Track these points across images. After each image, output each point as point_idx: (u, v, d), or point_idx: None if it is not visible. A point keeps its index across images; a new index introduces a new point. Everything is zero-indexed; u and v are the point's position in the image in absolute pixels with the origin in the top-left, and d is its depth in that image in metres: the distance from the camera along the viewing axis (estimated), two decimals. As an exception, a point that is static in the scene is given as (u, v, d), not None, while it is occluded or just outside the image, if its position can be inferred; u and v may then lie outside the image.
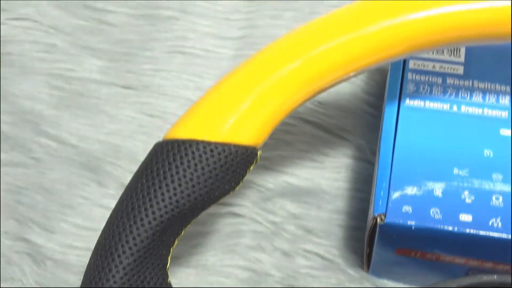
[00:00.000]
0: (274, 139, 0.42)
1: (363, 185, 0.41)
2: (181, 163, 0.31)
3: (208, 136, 0.32)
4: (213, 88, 0.33)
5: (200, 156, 0.31)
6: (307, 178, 0.42)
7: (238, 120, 0.32)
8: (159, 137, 0.41)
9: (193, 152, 0.31)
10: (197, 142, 0.32)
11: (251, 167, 0.33)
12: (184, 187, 0.31)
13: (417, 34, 0.33)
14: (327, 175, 0.42)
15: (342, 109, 0.43)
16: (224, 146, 0.32)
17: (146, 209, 0.31)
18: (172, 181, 0.31)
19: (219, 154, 0.32)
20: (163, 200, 0.31)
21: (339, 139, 0.42)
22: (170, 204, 0.31)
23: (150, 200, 0.31)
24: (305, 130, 0.42)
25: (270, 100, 0.32)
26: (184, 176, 0.31)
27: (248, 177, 0.39)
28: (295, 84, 0.32)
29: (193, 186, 0.31)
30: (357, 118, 0.42)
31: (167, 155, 0.32)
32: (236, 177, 0.32)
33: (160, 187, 0.31)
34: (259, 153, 0.33)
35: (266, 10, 0.44)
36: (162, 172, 0.31)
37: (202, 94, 0.38)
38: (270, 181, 0.41)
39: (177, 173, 0.31)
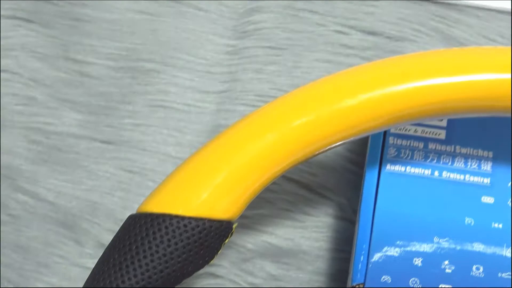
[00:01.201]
0: (256, 197, 0.41)
1: (344, 246, 0.41)
2: (154, 238, 0.31)
3: (182, 210, 0.31)
4: (188, 160, 0.32)
5: (174, 231, 0.31)
6: (287, 238, 0.41)
7: (212, 194, 0.31)
8: (138, 194, 0.41)
9: (166, 227, 0.31)
10: (171, 217, 0.31)
11: (226, 241, 0.32)
12: (156, 262, 0.31)
13: (400, 107, 0.32)
14: (308, 234, 0.41)
15: (324, 166, 0.42)
16: (198, 221, 0.31)
17: (117, 285, 0.31)
18: (145, 257, 0.31)
19: (193, 229, 0.31)
20: (135, 276, 0.31)
21: (321, 197, 0.42)
22: (142, 280, 0.31)
23: (122, 276, 0.31)
24: (287, 189, 0.42)
25: (246, 174, 0.32)
26: (157, 252, 0.31)
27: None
28: (272, 158, 0.32)
29: (166, 261, 0.31)
30: (339, 176, 0.42)
31: (140, 229, 0.31)
32: (210, 251, 0.32)
33: (132, 263, 0.31)
34: (234, 226, 0.32)
35: (248, 63, 0.43)
36: (134, 247, 0.31)
37: (182, 155, 0.38)
38: (250, 241, 0.41)
39: (150, 248, 0.31)
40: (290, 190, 0.41)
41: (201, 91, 0.43)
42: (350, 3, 0.45)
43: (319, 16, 0.45)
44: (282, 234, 0.41)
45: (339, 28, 0.45)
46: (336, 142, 0.33)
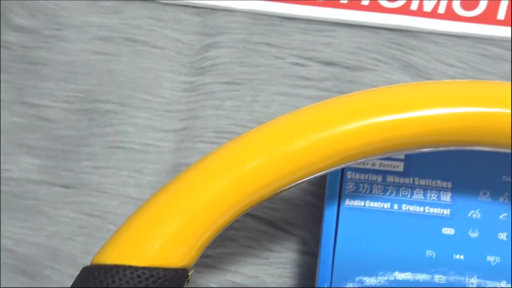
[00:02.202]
0: (218, 235, 0.41)
1: (308, 280, 0.40)
2: (108, 291, 0.30)
3: (136, 261, 0.31)
4: (140, 209, 0.32)
5: (128, 282, 0.30)
6: (251, 275, 0.41)
7: (166, 243, 0.31)
8: (99, 237, 0.40)
9: (120, 279, 0.30)
10: (124, 268, 0.31)
11: (183, 288, 0.32)
12: (112, 315, 0.30)
13: (352, 146, 0.32)
14: (272, 271, 0.41)
15: (287, 201, 0.42)
16: (153, 271, 0.31)
17: None
18: (99, 310, 0.30)
19: (147, 279, 0.31)
20: (90, 330, 0.30)
21: (284, 233, 0.41)
22: (97, 334, 0.30)
23: (76, 330, 0.30)
24: (250, 225, 0.41)
25: (199, 221, 0.31)
26: (112, 304, 0.30)
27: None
28: (225, 203, 0.31)
29: (122, 314, 0.30)
30: (302, 211, 0.41)
31: (93, 282, 0.31)
32: (166, 300, 0.31)
33: (87, 316, 0.30)
34: (190, 273, 0.32)
35: (206, 100, 0.43)
36: (88, 300, 0.30)
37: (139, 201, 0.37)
38: (213, 280, 0.40)
39: (104, 301, 0.30)
40: (252, 227, 0.41)
41: (159, 130, 0.43)
42: (307, 34, 0.45)
43: (276, 49, 0.45)
44: (246, 272, 0.40)
45: (297, 60, 0.44)
46: (290, 184, 0.32)
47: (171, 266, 0.31)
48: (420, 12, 0.45)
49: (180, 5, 0.46)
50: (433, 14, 0.45)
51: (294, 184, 0.32)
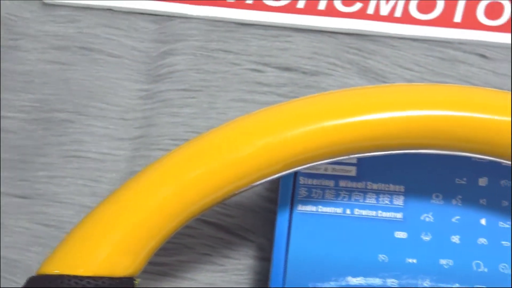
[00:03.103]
0: (173, 243, 0.41)
1: (265, 287, 0.40)
2: (53, 301, 0.30)
3: (81, 270, 0.31)
4: (85, 219, 0.32)
5: (72, 292, 0.30)
6: (208, 283, 0.40)
7: (111, 252, 0.31)
8: (54, 248, 0.40)
9: (64, 289, 0.30)
10: (69, 278, 0.30)
11: (129, 297, 0.32)
12: (57, 325, 0.30)
13: (297, 151, 0.32)
14: (229, 278, 0.40)
15: (243, 207, 0.41)
16: (98, 280, 0.31)
17: None
18: (45, 320, 0.30)
19: (91, 289, 0.30)
20: None
21: (241, 239, 0.41)
22: None
23: None
24: (206, 232, 0.41)
25: (144, 230, 0.31)
26: (57, 314, 0.30)
27: (146, 285, 0.38)
28: (169, 211, 0.31)
29: (67, 324, 0.30)
30: (258, 216, 0.41)
31: (38, 292, 0.30)
32: (112, 309, 0.31)
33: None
34: (136, 282, 0.32)
35: (163, 107, 0.43)
36: (33, 311, 0.30)
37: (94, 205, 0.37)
38: (170, 289, 0.40)
39: (49, 311, 0.30)
40: (209, 234, 0.41)
41: (115, 138, 0.43)
42: (264, 40, 0.45)
43: (234, 55, 0.44)
44: (202, 279, 0.40)
45: (254, 66, 0.44)
46: (238, 190, 0.32)
47: (117, 275, 0.31)
48: (377, 16, 0.45)
49: (137, 13, 0.46)
50: (390, 18, 0.45)
51: (242, 190, 0.32)
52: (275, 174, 0.32)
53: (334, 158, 0.32)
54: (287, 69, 0.44)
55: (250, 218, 0.41)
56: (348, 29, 0.45)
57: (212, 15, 0.45)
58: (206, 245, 0.41)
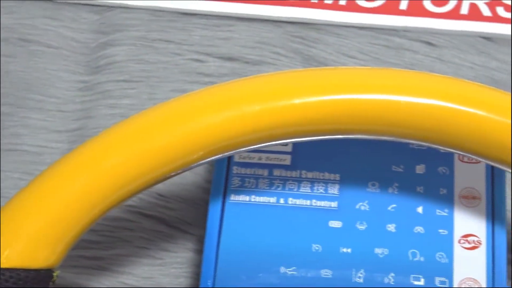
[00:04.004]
0: (110, 237, 0.40)
1: (205, 281, 0.39)
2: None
3: (-3, 262, 0.30)
4: (1, 210, 0.31)
5: (-14, 284, 0.29)
6: (146, 277, 0.40)
7: (27, 243, 0.30)
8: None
9: (-22, 281, 0.29)
10: (-18, 269, 0.29)
11: (49, 290, 0.31)
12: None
13: (219, 138, 0.31)
14: (167, 271, 0.39)
15: (183, 200, 0.41)
16: (13, 272, 0.30)
17: None
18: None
19: (6, 281, 0.30)
20: None
21: (180, 232, 0.40)
22: None
23: None
24: (144, 226, 0.40)
25: (61, 220, 0.30)
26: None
27: (80, 280, 0.37)
28: (87, 201, 0.30)
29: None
30: (199, 209, 0.40)
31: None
32: (30, 302, 0.30)
33: None
34: (55, 274, 0.31)
35: (102, 99, 0.42)
36: None
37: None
38: (106, 283, 0.39)
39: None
40: (147, 227, 0.40)
41: (53, 131, 0.42)
42: (206, 30, 0.44)
43: (175, 45, 0.44)
44: (140, 273, 0.39)
45: (196, 56, 0.43)
46: (160, 178, 0.31)
47: (34, 266, 0.30)
48: (321, 4, 0.45)
49: (77, 3, 0.45)
50: (334, 6, 0.45)
51: (162, 178, 0.31)
52: (196, 162, 0.31)
53: (259, 144, 0.31)
54: (230, 58, 0.44)
55: (190, 211, 0.40)
56: (292, 17, 0.44)
57: (153, 4, 0.44)
58: (145, 239, 0.40)
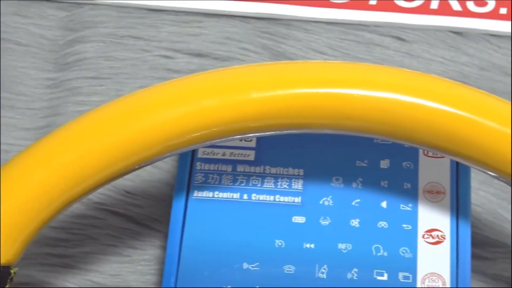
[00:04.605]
0: (78, 234, 0.40)
1: (173, 278, 0.39)
2: None
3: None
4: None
5: None
6: (113, 274, 0.39)
7: (-18, 239, 0.30)
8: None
9: None
10: None
11: (7, 286, 0.30)
12: None
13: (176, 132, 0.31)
14: (134, 269, 0.39)
15: (151, 197, 0.40)
16: (-33, 269, 0.29)
17: None
18: None
19: (-39, 279, 0.29)
20: None
21: (148, 229, 0.40)
22: None
23: None
24: (112, 223, 0.40)
25: (17, 215, 0.30)
26: None
27: (47, 279, 0.37)
28: (44, 196, 0.30)
29: None
30: (166, 206, 0.40)
31: None
32: (-13, 300, 0.30)
33: None
34: (13, 270, 0.31)
35: (70, 96, 0.42)
36: None
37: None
38: (72, 281, 0.39)
39: None
40: (115, 225, 0.40)
41: (21, 128, 0.42)
42: (175, 26, 0.44)
43: (144, 42, 0.44)
44: (106, 270, 0.39)
45: (164, 52, 0.43)
46: (119, 173, 0.31)
47: (-10, 263, 0.30)
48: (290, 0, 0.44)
49: (45, 0, 0.45)
50: (304, 1, 0.44)
51: (125, 171, 0.31)
52: (156, 157, 0.31)
53: (219, 139, 0.31)
54: (198, 55, 0.43)
55: (158, 207, 0.40)
56: (261, 13, 0.44)
57: (122, 1, 0.44)
58: (112, 236, 0.40)
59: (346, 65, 0.32)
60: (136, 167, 0.31)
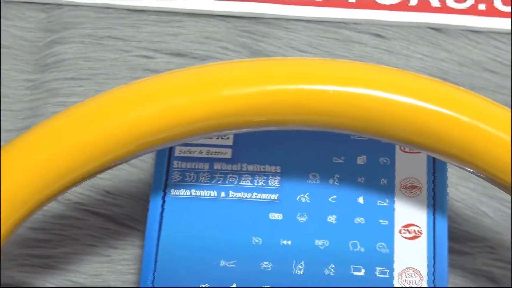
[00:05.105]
0: (58, 235, 0.40)
1: (153, 277, 0.39)
2: None
3: None
4: None
5: None
6: (93, 274, 0.40)
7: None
8: None
9: None
10: None
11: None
12: None
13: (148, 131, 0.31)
14: (114, 268, 0.39)
15: (131, 197, 0.41)
16: None
17: None
18: None
19: None
20: None
21: (128, 229, 0.40)
22: None
23: None
24: (92, 223, 0.40)
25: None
26: None
27: (28, 279, 0.37)
28: (15, 196, 0.30)
29: None
30: (146, 206, 0.40)
31: None
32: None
33: None
34: None
35: (50, 97, 0.42)
36: None
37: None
38: (52, 281, 0.39)
39: None
40: (95, 225, 0.40)
41: (3, 130, 0.42)
42: (155, 26, 0.44)
43: (123, 42, 0.44)
44: (87, 271, 0.39)
45: (144, 52, 0.43)
46: (91, 173, 0.31)
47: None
48: (270, -2, 0.44)
49: (25, 2, 0.45)
50: (284, 0, 0.44)
51: (96, 172, 0.31)
52: (129, 156, 0.31)
53: (192, 137, 0.31)
54: (178, 54, 0.44)
55: (137, 207, 0.40)
56: (241, 12, 0.44)
57: (101, 2, 0.44)
58: (92, 236, 0.40)
59: (320, 61, 0.32)
60: (112, 164, 0.31)
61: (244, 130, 0.32)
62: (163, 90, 0.31)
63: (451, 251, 0.39)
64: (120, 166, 0.40)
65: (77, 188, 0.40)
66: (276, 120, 0.31)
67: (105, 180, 0.41)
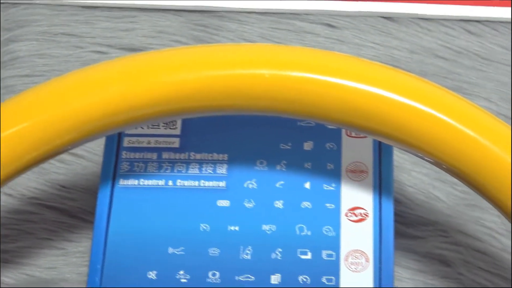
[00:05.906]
0: (13, 229, 0.40)
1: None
2: None
3: None
4: None
5: None
6: (49, 267, 0.40)
7: None
8: None
9: None
10: None
11: None
12: None
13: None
14: (69, 261, 0.40)
15: (85, 190, 0.41)
16: None
17: None
18: None
19: None
20: None
21: (83, 222, 0.41)
22: None
23: None
24: (47, 217, 0.40)
25: None
26: None
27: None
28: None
29: None
30: (101, 198, 0.40)
31: None
32: None
33: None
34: None
35: (5, 94, 0.43)
36: None
37: None
38: (9, 275, 0.39)
39: None
40: (50, 219, 0.40)
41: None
42: (108, 22, 0.44)
43: (77, 39, 0.44)
44: (43, 264, 0.40)
45: (98, 48, 0.44)
46: (33, 160, 0.31)
47: None
48: (222, -8, 0.45)
49: (-20, 2, 0.45)
50: (236, -8, 0.45)
51: (38, 161, 0.31)
52: (72, 143, 0.31)
53: (135, 123, 0.32)
54: (132, 49, 0.44)
55: (92, 200, 0.41)
56: (194, 6, 0.45)
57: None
58: (47, 230, 0.40)
59: (257, 46, 0.32)
60: (59, 152, 0.32)
61: (186, 115, 0.32)
62: (103, 78, 0.31)
63: (403, 235, 0.39)
64: (74, 160, 0.41)
65: (32, 183, 0.41)
66: (215, 105, 0.32)
67: (59, 174, 0.41)
